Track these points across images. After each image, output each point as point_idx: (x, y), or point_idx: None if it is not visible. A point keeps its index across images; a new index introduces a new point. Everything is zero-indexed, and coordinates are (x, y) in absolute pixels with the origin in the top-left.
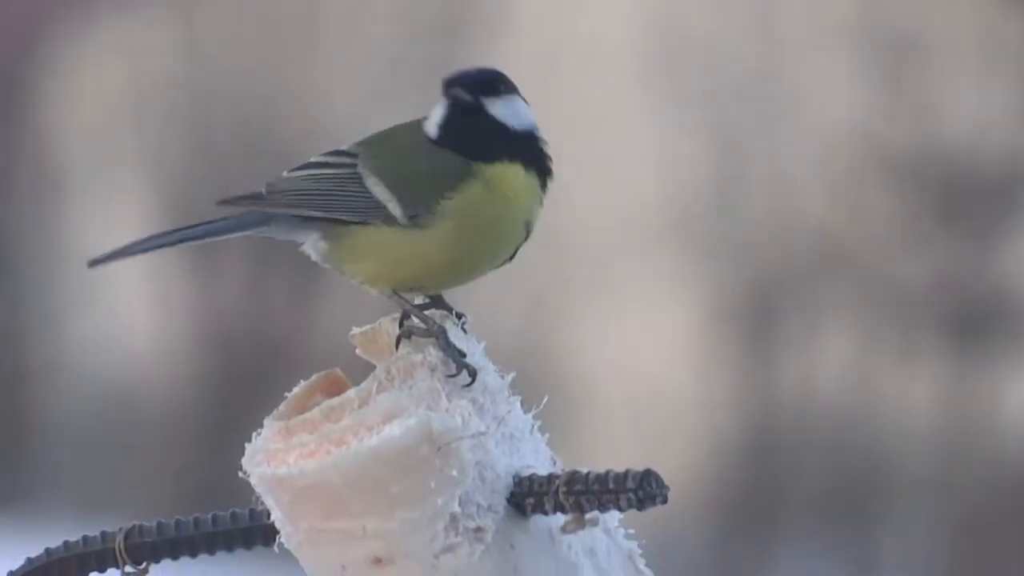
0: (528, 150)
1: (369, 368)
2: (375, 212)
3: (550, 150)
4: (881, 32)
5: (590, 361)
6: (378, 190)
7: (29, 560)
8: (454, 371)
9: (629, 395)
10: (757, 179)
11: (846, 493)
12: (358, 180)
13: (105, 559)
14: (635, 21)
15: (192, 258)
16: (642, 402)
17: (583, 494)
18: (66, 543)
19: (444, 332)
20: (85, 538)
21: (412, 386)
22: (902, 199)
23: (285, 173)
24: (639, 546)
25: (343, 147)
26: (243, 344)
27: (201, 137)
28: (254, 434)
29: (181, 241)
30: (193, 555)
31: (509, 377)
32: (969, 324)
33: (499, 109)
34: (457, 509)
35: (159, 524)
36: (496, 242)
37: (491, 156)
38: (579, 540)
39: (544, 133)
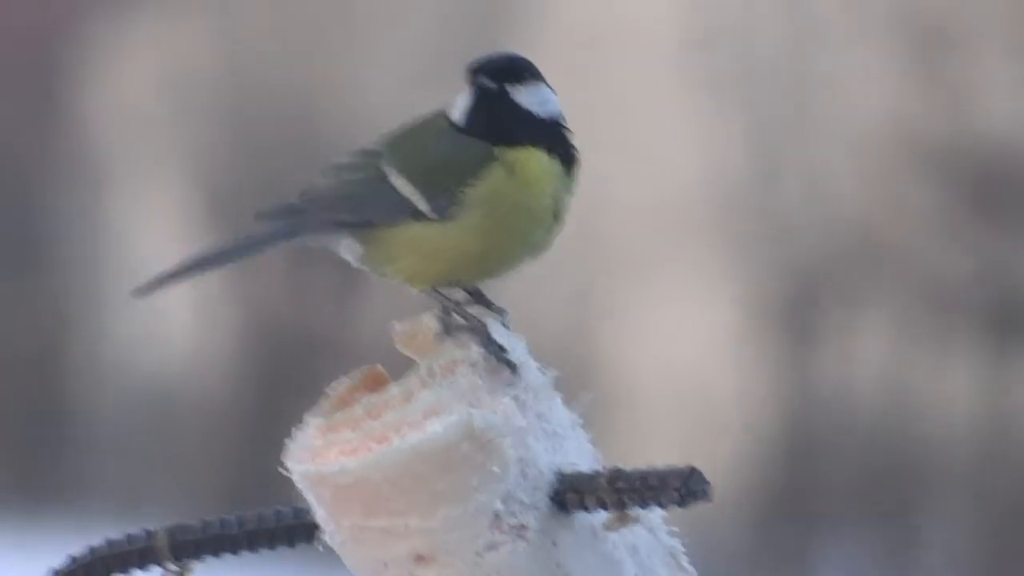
0: (552, 137)
1: (410, 364)
2: (403, 209)
3: (577, 139)
4: (918, 21)
5: (631, 357)
6: (402, 185)
7: (72, 558)
8: (496, 367)
9: (670, 391)
10: (794, 171)
11: (885, 488)
12: (383, 178)
13: (148, 557)
14: (673, 11)
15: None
16: (683, 398)
17: (626, 491)
18: (109, 541)
19: (485, 328)
20: (128, 536)
21: (454, 382)
22: (939, 190)
23: (316, 179)
24: (682, 544)
25: (368, 145)
26: (284, 340)
27: (240, 128)
28: (295, 431)
29: (220, 263)
30: (235, 552)
31: (551, 374)
32: (1007, 317)
33: (523, 96)
34: (499, 506)
35: (203, 522)
36: (524, 228)
37: (514, 141)
38: (622, 538)
39: (581, 123)
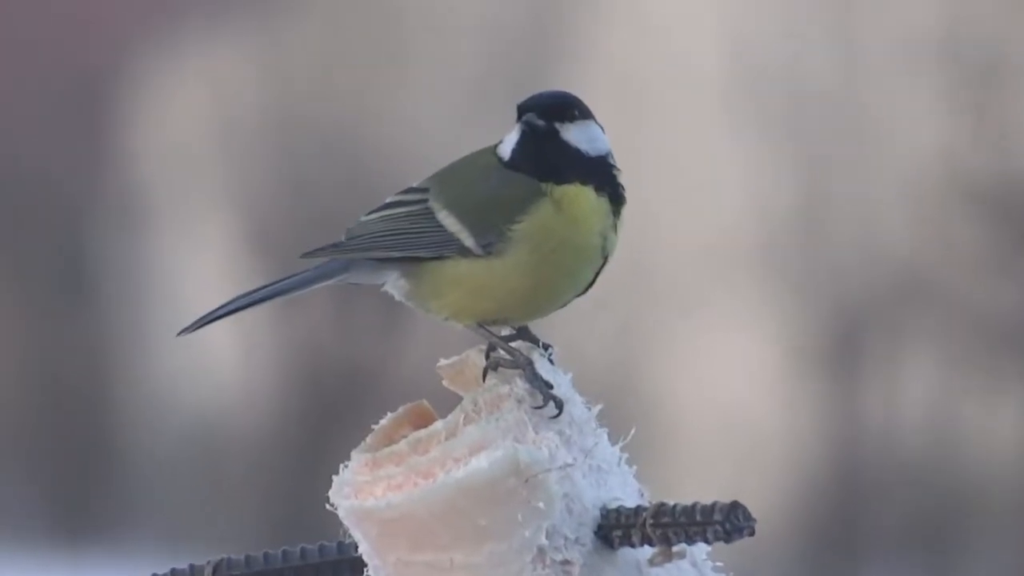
0: (600, 174)
1: (456, 400)
2: (449, 245)
3: (625, 176)
4: (967, 59)
5: (677, 392)
6: (449, 222)
7: None
8: (541, 403)
9: (716, 426)
10: (841, 207)
11: (931, 524)
12: (430, 215)
13: None
14: (719, 48)
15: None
16: (729, 433)
17: (670, 526)
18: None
19: (531, 364)
20: (174, 570)
21: (499, 418)
22: (988, 227)
23: (363, 217)
24: None
25: (415, 183)
26: (329, 376)
27: (286, 163)
28: (341, 466)
29: (265, 299)
30: None
31: (596, 409)
32: None
33: (572, 134)
34: (544, 542)
35: (247, 557)
36: (571, 265)
37: (562, 178)
38: (666, 573)
39: (628, 160)
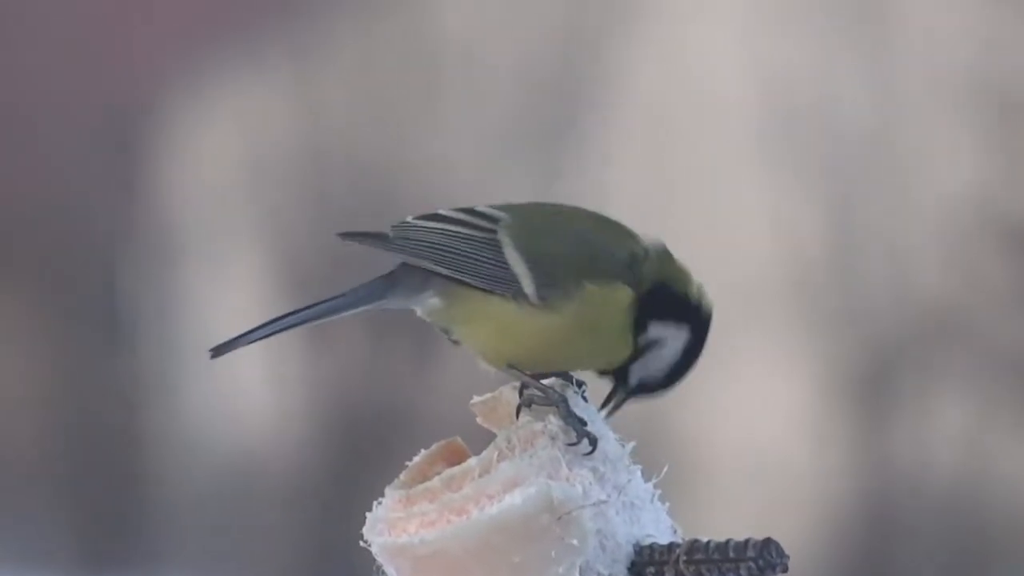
0: (690, 319)
1: (490, 437)
2: (506, 284)
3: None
4: (1000, 97)
5: (708, 429)
6: (516, 261)
7: None
8: (575, 439)
9: (747, 464)
10: (873, 246)
11: (963, 564)
12: (496, 247)
13: None
14: (752, 87)
15: (309, 325)
16: (760, 471)
17: (704, 563)
18: None
19: (565, 401)
20: None
21: (533, 455)
22: (1020, 266)
23: (411, 219)
24: None
25: (478, 207)
26: (362, 413)
27: (319, 202)
28: (375, 503)
29: (300, 323)
30: None
31: (629, 446)
32: None
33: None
34: None
35: None
36: (610, 345)
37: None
38: None
39: (659, 199)
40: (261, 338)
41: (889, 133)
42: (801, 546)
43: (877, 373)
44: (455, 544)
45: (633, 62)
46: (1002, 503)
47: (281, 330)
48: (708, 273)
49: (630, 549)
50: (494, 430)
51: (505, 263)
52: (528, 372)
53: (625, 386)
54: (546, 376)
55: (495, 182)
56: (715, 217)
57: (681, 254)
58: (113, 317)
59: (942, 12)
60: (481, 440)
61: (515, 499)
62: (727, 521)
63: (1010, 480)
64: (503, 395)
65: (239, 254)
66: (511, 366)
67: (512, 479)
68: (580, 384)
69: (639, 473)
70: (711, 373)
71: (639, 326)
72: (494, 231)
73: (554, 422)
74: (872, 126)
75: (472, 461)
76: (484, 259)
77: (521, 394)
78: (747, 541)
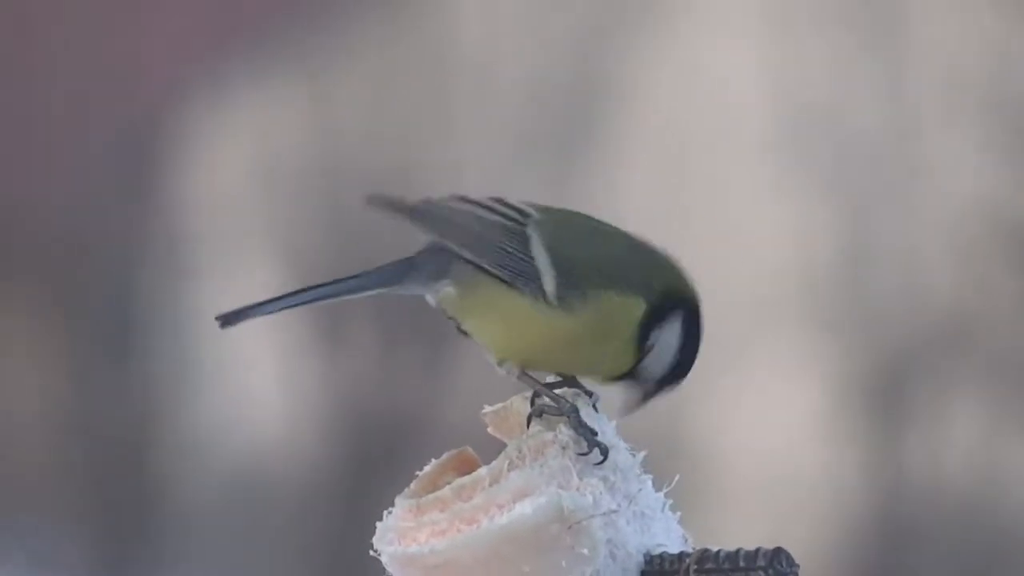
0: (673, 309)
1: (500, 446)
2: (527, 279)
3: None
4: (1013, 106)
5: (720, 439)
6: (542, 258)
7: None
8: (585, 449)
9: (759, 473)
10: (886, 253)
11: (976, 573)
12: (524, 239)
13: None
14: (764, 95)
15: (321, 332)
16: (772, 480)
17: (714, 572)
18: None
19: (576, 410)
20: None
21: (543, 464)
22: None
23: (450, 199)
24: None
25: (511, 200)
26: (373, 421)
27: (332, 212)
28: (385, 512)
29: (314, 300)
30: None
31: (640, 455)
32: None
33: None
34: None
35: None
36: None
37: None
38: None
39: (671, 208)
40: (272, 312)
41: (902, 142)
42: (813, 555)
43: (889, 381)
44: (465, 553)
45: (647, 71)
46: (1016, 511)
47: (293, 305)
48: (721, 280)
49: (641, 559)
50: (505, 440)
51: (530, 256)
52: (529, 371)
53: (640, 385)
54: (559, 385)
55: (509, 192)
56: (728, 226)
57: (694, 262)
58: (128, 326)
59: (955, 23)
60: (492, 450)
61: (525, 509)
62: (739, 530)
63: None
64: (514, 405)
65: (253, 265)
66: (524, 373)
67: (522, 489)
68: (591, 394)
69: (650, 483)
70: (723, 381)
71: (643, 337)
72: (524, 224)
73: (565, 432)
74: (885, 135)
75: (483, 471)
76: (509, 248)
77: (532, 404)
78: (758, 550)
